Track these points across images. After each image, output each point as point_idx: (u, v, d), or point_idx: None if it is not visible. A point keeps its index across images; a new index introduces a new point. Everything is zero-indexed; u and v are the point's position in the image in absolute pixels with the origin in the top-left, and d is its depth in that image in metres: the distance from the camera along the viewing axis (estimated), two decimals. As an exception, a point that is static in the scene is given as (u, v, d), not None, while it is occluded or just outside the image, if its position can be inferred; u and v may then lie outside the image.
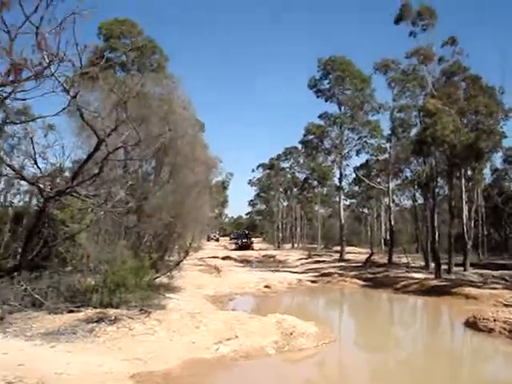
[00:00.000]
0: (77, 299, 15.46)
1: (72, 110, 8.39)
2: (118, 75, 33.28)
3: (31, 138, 8.14)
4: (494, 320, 16.64)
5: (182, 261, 23.36)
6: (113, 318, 13.68)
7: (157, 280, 19.88)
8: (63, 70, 6.17)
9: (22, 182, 20.20)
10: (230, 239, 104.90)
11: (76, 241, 16.44)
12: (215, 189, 51.26)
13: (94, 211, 12.72)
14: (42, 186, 8.63)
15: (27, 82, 5.93)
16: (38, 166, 8.76)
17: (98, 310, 14.47)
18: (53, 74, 5.87)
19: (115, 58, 35.79)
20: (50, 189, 9.04)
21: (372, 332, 18.90)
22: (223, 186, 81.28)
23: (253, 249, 75.99)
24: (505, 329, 16.03)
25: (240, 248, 76.02)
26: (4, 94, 5.93)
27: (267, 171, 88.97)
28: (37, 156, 8.59)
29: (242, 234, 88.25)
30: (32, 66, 5.70)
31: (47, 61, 5.60)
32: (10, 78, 5.58)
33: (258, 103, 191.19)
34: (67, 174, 15.85)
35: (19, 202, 24.16)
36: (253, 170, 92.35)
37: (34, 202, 20.59)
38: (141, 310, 14.84)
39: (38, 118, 7.94)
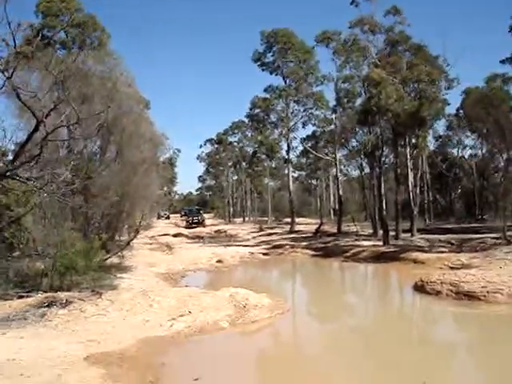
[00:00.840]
0: (26, 284, 15.23)
1: (9, 90, 8.15)
2: (59, 54, 32.44)
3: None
4: (441, 283, 17.14)
5: (132, 240, 23.24)
6: (64, 301, 13.54)
7: (108, 260, 19.74)
8: (-3, 51, 5.99)
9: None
10: (181, 216, 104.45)
11: (22, 225, 16.12)
12: (163, 166, 50.86)
13: (38, 193, 12.48)
14: (-19, 170, 8.42)
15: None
16: (-24, 150, 8.54)
17: (49, 294, 14.28)
18: (-15, 55, 5.69)
19: (54, 37, 34.81)
20: (-8, 172, 8.83)
21: (324, 301, 19.20)
22: (171, 162, 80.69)
23: (205, 226, 71.89)
24: (451, 290, 16.52)
25: (191, 226, 71.63)
26: None
27: (215, 146, 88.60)
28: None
29: (193, 210, 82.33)
30: (-37, 46, 5.51)
31: (-21, 41, 5.42)
32: None
33: (203, 77, 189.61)
34: (10, 157, 15.50)
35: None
36: (200, 146, 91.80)
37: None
38: (92, 292, 14.74)
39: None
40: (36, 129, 8.19)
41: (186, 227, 70.19)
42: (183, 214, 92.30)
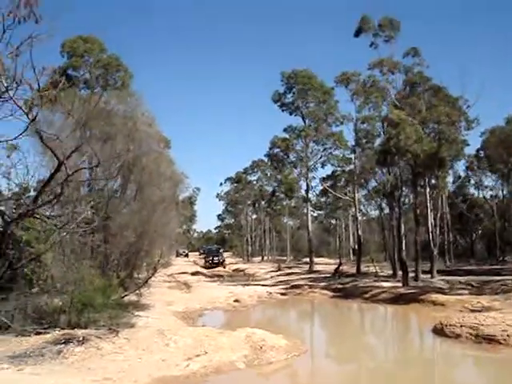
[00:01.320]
0: (44, 320, 15.27)
1: (33, 132, 8.37)
2: (82, 93, 33.10)
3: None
4: (461, 326, 16.91)
5: (150, 278, 23.25)
6: (81, 338, 13.55)
7: (125, 298, 19.76)
8: (22, 93, 6.19)
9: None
10: (200, 254, 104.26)
11: (42, 262, 16.26)
12: (182, 204, 51.15)
13: (58, 232, 12.64)
14: (3, 208, 8.58)
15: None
16: (-1, 189, 8.73)
17: (66, 331, 14.31)
18: (11, 98, 5.89)
19: (78, 76, 35.59)
20: (15, 209, 8.99)
21: (342, 342, 19.04)
22: (190, 201, 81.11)
23: (225, 266, 66.73)
24: (471, 334, 16.28)
25: (211, 266, 66.72)
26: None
27: (235, 185, 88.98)
28: (0, 177, 8.56)
29: (213, 249, 76.22)
30: (-10, 89, 5.70)
31: (5, 84, 5.61)
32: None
33: (224, 117, 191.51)
34: (32, 193, 15.75)
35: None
36: (220, 184, 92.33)
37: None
38: (109, 329, 14.74)
39: (-2, 141, 7.91)
40: (58, 169, 8.38)
41: (205, 267, 66.08)
42: (202, 252, 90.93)
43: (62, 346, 13.01)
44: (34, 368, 11.27)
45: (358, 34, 37.65)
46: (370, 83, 39.48)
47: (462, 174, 56.10)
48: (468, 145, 42.39)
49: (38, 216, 8.86)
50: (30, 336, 14.02)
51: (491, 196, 56.49)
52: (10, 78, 5.79)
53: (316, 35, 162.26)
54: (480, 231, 59.89)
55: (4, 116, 6.13)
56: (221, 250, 75.45)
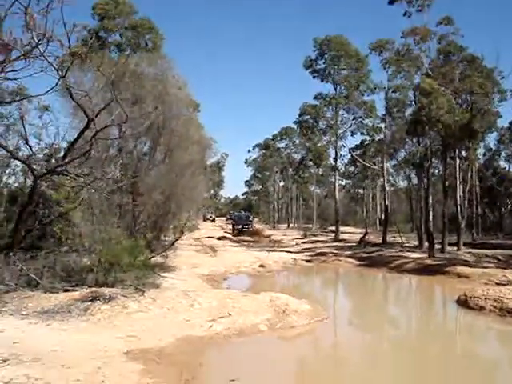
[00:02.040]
0: (72, 279, 15.57)
1: (63, 89, 8.42)
2: (114, 55, 33.13)
3: (22, 118, 8.19)
4: (485, 298, 16.81)
5: (176, 240, 23.45)
6: (107, 296, 13.79)
7: (152, 259, 19.99)
8: (52, 50, 6.21)
9: (18, 163, 20.27)
10: (227, 219, 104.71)
11: (71, 220, 16.53)
12: (210, 169, 51.34)
13: (87, 190, 12.80)
14: (33, 165, 8.70)
15: (18, 62, 5.97)
16: (29, 146, 8.82)
17: (93, 289, 14.58)
18: (42, 54, 5.92)
19: (110, 38, 35.59)
20: (45, 169, 9.10)
21: (365, 311, 19.09)
22: (218, 166, 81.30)
23: (257, 234, 60.16)
24: (495, 307, 16.19)
25: (240, 233, 62.09)
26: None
27: (263, 151, 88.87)
28: (29, 136, 8.65)
29: (243, 216, 72.11)
30: (21, 45, 5.74)
31: (36, 40, 5.64)
32: (0, 58, 5.62)
33: (254, 82, 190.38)
34: (62, 153, 15.94)
35: (14, 182, 24.23)
36: (249, 151, 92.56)
37: (29, 182, 20.68)
38: (135, 289, 14.96)
39: (27, 97, 7.99)
40: (87, 127, 8.45)
41: (234, 235, 61.36)
42: (230, 218, 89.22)
43: (89, 303, 13.27)
44: (62, 323, 11.54)
45: (392, 1, 37.05)
46: (403, 51, 38.84)
47: (493, 147, 55.28)
48: (500, 116, 41.67)
49: (66, 173, 8.96)
50: (58, 293, 14.31)
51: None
52: (40, 33, 5.82)
53: (348, 4, 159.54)
54: (509, 205, 59.07)
55: (35, 72, 6.17)
56: (251, 218, 72.10)
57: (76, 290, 14.64)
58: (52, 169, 8.55)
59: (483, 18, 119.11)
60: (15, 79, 6.55)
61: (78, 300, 13.59)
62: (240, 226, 66.11)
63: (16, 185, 24.26)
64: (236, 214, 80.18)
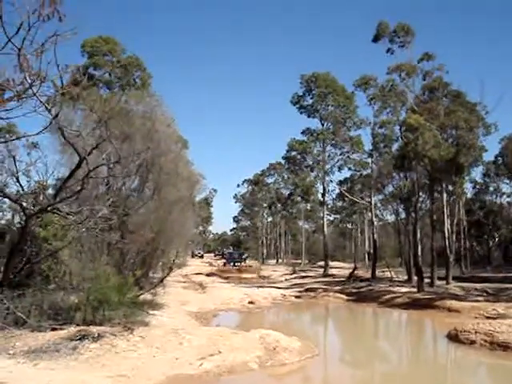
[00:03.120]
0: (60, 317, 15.40)
1: (54, 129, 8.49)
2: (102, 92, 33.39)
3: (13, 157, 8.23)
4: (476, 332, 16.81)
5: (165, 277, 23.36)
6: (96, 335, 13.66)
7: (140, 297, 19.85)
8: (45, 90, 6.29)
9: (5, 199, 20.20)
10: (215, 255, 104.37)
11: (59, 258, 16.42)
12: (199, 205, 51.32)
13: (76, 228, 12.78)
14: (24, 203, 8.70)
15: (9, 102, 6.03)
16: (20, 184, 8.85)
17: (81, 328, 14.43)
18: (34, 94, 5.99)
19: (99, 76, 35.91)
20: (33, 206, 9.11)
21: (356, 346, 19.04)
22: (207, 202, 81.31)
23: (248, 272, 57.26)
24: (486, 340, 16.20)
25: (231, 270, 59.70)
26: (-14, 114, 6.04)
27: (251, 187, 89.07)
28: (19, 174, 8.67)
29: (235, 254, 71.71)
30: (14, 86, 5.80)
31: (29, 81, 5.71)
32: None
33: (241, 119, 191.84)
34: (50, 191, 15.91)
35: (1, 219, 24.12)
36: (238, 185, 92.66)
37: (17, 219, 20.58)
38: (124, 327, 14.83)
39: (20, 137, 8.04)
40: (79, 166, 8.49)
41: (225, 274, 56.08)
42: (222, 255, 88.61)
43: (77, 342, 13.13)
44: (50, 363, 11.40)
45: (376, 39, 37.89)
46: (388, 87, 39.44)
47: (480, 181, 55.79)
48: (486, 151, 42.19)
49: (57, 212, 8.96)
50: (45, 332, 14.15)
51: (508, 203, 56.07)
52: (34, 75, 5.89)
53: (333, 41, 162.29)
54: (497, 238, 59.40)
55: (27, 112, 6.23)
56: (244, 256, 71.34)
57: (64, 329, 14.48)
58: (44, 208, 8.56)
59: (468, 52, 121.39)
60: (6, 118, 6.57)
61: (65, 339, 13.44)
62: (231, 265, 65.36)
63: (3, 222, 24.15)
64: (229, 251, 79.98)
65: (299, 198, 67.19)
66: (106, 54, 35.99)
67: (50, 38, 5.88)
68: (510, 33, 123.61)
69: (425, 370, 14.85)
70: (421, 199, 37.90)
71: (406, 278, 39.63)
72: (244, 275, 53.39)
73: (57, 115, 6.87)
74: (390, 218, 53.89)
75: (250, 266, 62.98)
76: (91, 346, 12.92)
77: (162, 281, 23.05)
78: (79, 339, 13.32)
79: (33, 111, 6.28)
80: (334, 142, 51.24)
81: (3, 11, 5.72)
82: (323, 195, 54.34)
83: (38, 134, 7.00)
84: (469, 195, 54.57)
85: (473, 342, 16.43)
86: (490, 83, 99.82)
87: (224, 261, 71.35)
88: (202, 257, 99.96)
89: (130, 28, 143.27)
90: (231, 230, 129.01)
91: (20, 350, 12.23)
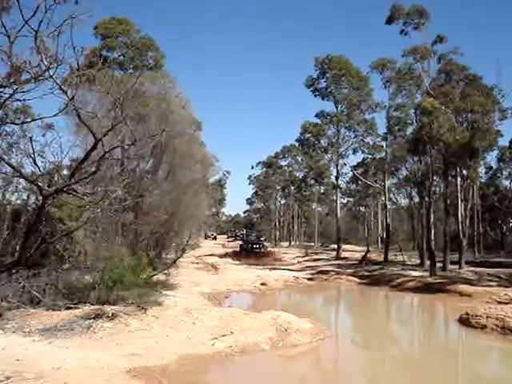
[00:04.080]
0: (74, 296, 15.60)
1: (70, 111, 8.55)
2: (116, 74, 33.38)
3: (30, 138, 8.31)
4: (487, 317, 16.83)
5: (178, 258, 23.52)
6: (110, 314, 13.84)
7: (154, 277, 20.04)
8: (61, 72, 6.35)
9: (21, 180, 20.38)
10: (228, 237, 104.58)
11: (74, 238, 16.61)
12: (212, 187, 51.41)
13: (91, 209, 12.89)
14: (40, 184, 8.79)
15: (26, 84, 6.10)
16: (36, 165, 8.92)
17: (96, 307, 14.62)
18: (51, 76, 6.05)
19: (112, 57, 35.87)
20: (48, 186, 9.20)
21: (367, 329, 19.10)
22: (220, 184, 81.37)
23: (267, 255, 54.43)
24: (497, 325, 16.22)
25: (249, 253, 54.26)
26: (4, 96, 6.11)
27: (265, 169, 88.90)
28: (35, 154, 8.75)
29: (253, 236, 63.33)
30: (31, 68, 5.87)
31: (46, 63, 5.77)
32: (11, 80, 5.74)
33: (256, 101, 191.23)
34: (65, 172, 16.02)
35: (17, 199, 24.34)
36: (252, 167, 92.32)
37: (32, 199, 20.78)
38: (138, 307, 15.00)
39: (36, 119, 8.12)
40: (94, 147, 8.55)
41: (240, 256, 53.62)
42: (236, 237, 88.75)
43: (92, 321, 13.32)
44: (64, 341, 11.57)
45: (389, 21, 37.63)
46: (405, 70, 39.16)
47: (494, 165, 55.34)
48: (502, 135, 41.81)
49: (73, 192, 9.06)
50: (60, 310, 14.36)
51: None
52: (50, 57, 5.95)
53: (348, 22, 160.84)
54: (511, 224, 59.06)
55: (44, 94, 6.30)
56: (262, 239, 62.33)
57: (78, 308, 14.69)
58: (60, 188, 8.64)
59: (485, 36, 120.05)
60: (23, 100, 6.65)
61: (80, 317, 13.64)
62: (249, 246, 57.52)
63: (19, 202, 24.37)
64: (245, 232, 72.81)
65: (313, 181, 67.01)
66: (119, 35, 35.89)
67: (66, 20, 5.93)
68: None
69: (435, 354, 14.89)
70: (435, 183, 37.79)
71: (418, 261, 39.54)
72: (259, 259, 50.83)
73: (73, 97, 6.93)
74: (404, 201, 53.70)
75: (272, 253, 56.88)
76: (105, 325, 13.11)
77: (175, 262, 23.22)
78: (93, 318, 13.52)
79: (49, 93, 6.35)
80: (348, 124, 50.93)
81: (20, -7, 5.79)
82: (337, 178, 54.20)
83: (54, 115, 7.08)
84: (483, 180, 54.16)
85: (484, 327, 16.46)
86: (508, 68, 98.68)
87: (239, 244, 63.99)
88: (215, 238, 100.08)
89: (144, 11, 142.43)
90: (244, 212, 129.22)
91: (35, 329, 12.43)
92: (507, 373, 13.28)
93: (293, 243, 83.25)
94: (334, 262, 44.49)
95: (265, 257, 53.14)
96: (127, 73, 33.08)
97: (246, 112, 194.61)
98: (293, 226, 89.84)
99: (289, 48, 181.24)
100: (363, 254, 45.87)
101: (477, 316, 17.13)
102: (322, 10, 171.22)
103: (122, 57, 35.94)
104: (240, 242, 65.15)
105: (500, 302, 21.15)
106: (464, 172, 38.30)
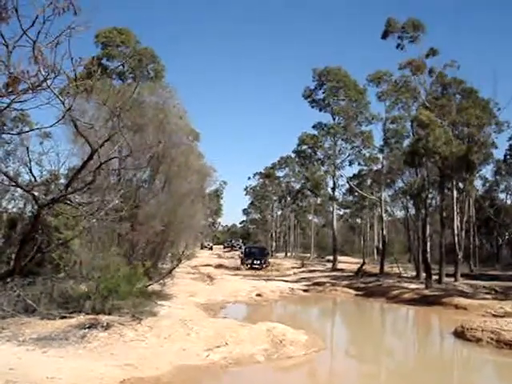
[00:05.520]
0: (69, 305, 15.55)
1: (67, 121, 8.59)
2: (115, 84, 33.51)
3: (27, 148, 8.34)
4: (482, 330, 16.81)
5: (174, 268, 23.49)
6: (105, 324, 13.80)
7: (149, 287, 20.00)
8: (58, 82, 6.38)
9: (17, 189, 20.37)
10: (224, 247, 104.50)
11: (69, 247, 16.59)
12: (209, 197, 51.39)
13: (87, 218, 12.90)
14: (36, 193, 8.81)
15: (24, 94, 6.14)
16: (32, 174, 8.96)
17: (91, 317, 14.58)
18: (49, 87, 6.09)
19: (112, 67, 36.04)
20: (45, 195, 9.22)
21: (362, 341, 19.09)
22: (217, 194, 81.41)
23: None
24: (492, 338, 16.20)
25: (252, 269, 50.92)
26: (2, 105, 6.15)
27: (262, 180, 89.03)
28: (32, 163, 8.78)
29: (257, 248, 59.41)
30: (29, 77, 5.90)
31: (44, 73, 5.81)
32: (9, 90, 5.78)
33: (254, 112, 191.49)
34: (62, 180, 16.02)
35: (13, 207, 24.27)
36: (249, 178, 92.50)
37: (29, 208, 20.73)
38: (133, 317, 14.96)
39: (33, 129, 8.15)
40: (90, 157, 8.58)
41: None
42: (232, 248, 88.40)
43: (86, 330, 13.27)
44: (59, 351, 11.53)
45: (385, 36, 37.83)
46: (401, 83, 39.33)
47: (491, 178, 55.55)
48: (496, 147, 42.00)
49: (69, 202, 9.08)
50: (55, 320, 14.30)
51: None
52: (48, 67, 5.99)
53: (345, 36, 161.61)
54: (506, 237, 59.19)
55: (41, 104, 6.33)
56: (266, 251, 58.54)
57: (73, 317, 14.64)
58: (56, 198, 8.66)
59: (482, 48, 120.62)
60: (21, 110, 6.69)
61: (74, 327, 13.59)
62: (250, 261, 52.93)
63: (15, 210, 24.32)
64: (248, 245, 67.13)
65: (309, 192, 67.06)
66: (120, 44, 36.11)
67: (64, 31, 5.99)
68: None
69: (430, 367, 14.87)
70: (431, 196, 37.89)
71: (414, 274, 39.59)
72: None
73: (70, 108, 6.97)
74: (400, 213, 53.74)
75: (277, 270, 51.95)
76: (100, 334, 13.07)
77: (170, 272, 23.19)
78: (88, 328, 13.48)
79: (46, 103, 6.39)
80: (345, 136, 51.12)
81: (19, 4, 5.83)
82: (333, 189, 54.32)
83: (51, 126, 7.11)
84: (479, 193, 54.32)
85: (479, 340, 16.44)
86: (504, 81, 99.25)
87: (239, 256, 60.54)
88: (211, 249, 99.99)
89: (144, 21, 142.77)
90: (241, 223, 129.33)
91: (29, 338, 12.38)
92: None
93: (289, 254, 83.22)
94: (329, 274, 44.49)
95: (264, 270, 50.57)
96: (126, 83, 33.21)
97: (243, 122, 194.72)
98: (289, 237, 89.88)
99: (289, 56, 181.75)
100: (359, 265, 45.85)
101: (472, 329, 17.12)
102: (321, 20, 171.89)
103: (121, 67, 36.12)
104: (240, 255, 60.57)
105: (495, 315, 21.16)
106: (460, 185, 38.46)
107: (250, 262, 52.60)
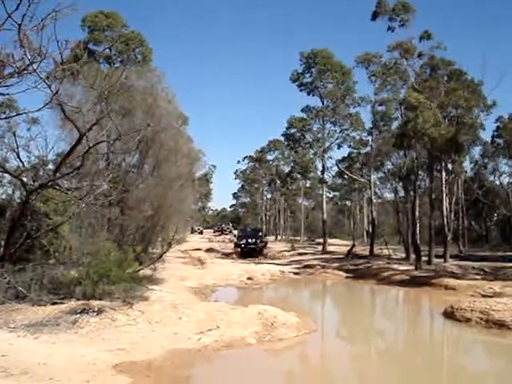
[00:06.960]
0: (60, 291, 15.51)
1: (55, 105, 8.50)
2: (103, 67, 33.23)
3: (14, 133, 8.25)
4: (471, 310, 16.92)
5: (165, 253, 23.46)
6: (96, 309, 13.79)
7: (140, 272, 19.98)
8: (45, 66, 6.31)
9: (5, 175, 20.24)
10: (214, 232, 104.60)
11: (59, 233, 16.51)
12: (198, 181, 51.29)
13: (77, 204, 12.84)
14: (25, 179, 8.74)
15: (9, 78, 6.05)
16: (20, 160, 8.88)
17: (82, 302, 14.55)
18: (35, 70, 6.01)
19: (99, 51, 35.72)
20: (33, 181, 9.15)
21: (353, 322, 19.19)
22: (206, 178, 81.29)
23: (266, 257, 48.05)
24: (481, 318, 16.31)
25: (245, 254, 47.58)
26: (-13, 90, 6.07)
27: (251, 164, 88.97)
28: (20, 149, 8.70)
29: (252, 230, 55.37)
30: (14, 61, 5.83)
31: (29, 57, 5.73)
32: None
33: (243, 96, 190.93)
34: (50, 166, 15.93)
35: (1, 194, 24.14)
36: (238, 162, 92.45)
37: (17, 194, 20.61)
38: (124, 302, 14.95)
39: (20, 113, 8.06)
40: (79, 142, 8.52)
41: (235, 254, 49.01)
42: (222, 232, 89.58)
43: (78, 316, 13.25)
44: (50, 336, 11.51)
45: (374, 17, 37.63)
46: (391, 65, 39.26)
47: (479, 160, 55.69)
48: (484, 129, 42.07)
49: (58, 187, 9.01)
50: (45, 306, 14.26)
51: (508, 183, 55.97)
52: (34, 50, 5.91)
53: (335, 18, 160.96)
54: (495, 218, 59.59)
55: (27, 88, 6.25)
56: (260, 233, 53.37)
57: (64, 303, 14.60)
58: (44, 183, 8.61)
59: (471, 30, 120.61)
60: (7, 94, 6.60)
61: (66, 313, 13.57)
62: (243, 242, 49.33)
63: (4, 197, 24.17)
64: (242, 228, 63.05)
65: (299, 175, 67.06)
66: (107, 28, 35.76)
67: (50, 14, 5.89)
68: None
69: (420, 347, 15.00)
70: (420, 178, 38.00)
71: (403, 255, 39.82)
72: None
73: (57, 91, 6.90)
74: (389, 196, 53.93)
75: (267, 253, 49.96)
76: (91, 320, 13.05)
77: (161, 256, 23.16)
78: (79, 313, 13.46)
79: (33, 87, 6.30)
80: (333, 119, 51.15)
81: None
82: (322, 172, 54.37)
83: (38, 110, 7.04)
84: (468, 174, 54.52)
85: (468, 320, 16.55)
86: (492, 63, 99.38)
87: (231, 240, 57.88)
88: (201, 233, 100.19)
89: (132, 5, 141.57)
90: (231, 207, 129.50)
91: (21, 324, 12.35)
92: (491, 366, 13.40)
93: (279, 237, 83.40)
94: (320, 256, 44.60)
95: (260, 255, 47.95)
96: (113, 67, 32.95)
97: (232, 106, 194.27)
98: (279, 220, 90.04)
99: (276, 41, 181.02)
100: (349, 248, 46.03)
101: (461, 309, 17.23)
102: (309, 4, 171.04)
103: (108, 50, 35.81)
104: (232, 238, 57.50)
105: (484, 296, 21.31)
106: (449, 166, 38.58)
107: (244, 242, 48.94)
